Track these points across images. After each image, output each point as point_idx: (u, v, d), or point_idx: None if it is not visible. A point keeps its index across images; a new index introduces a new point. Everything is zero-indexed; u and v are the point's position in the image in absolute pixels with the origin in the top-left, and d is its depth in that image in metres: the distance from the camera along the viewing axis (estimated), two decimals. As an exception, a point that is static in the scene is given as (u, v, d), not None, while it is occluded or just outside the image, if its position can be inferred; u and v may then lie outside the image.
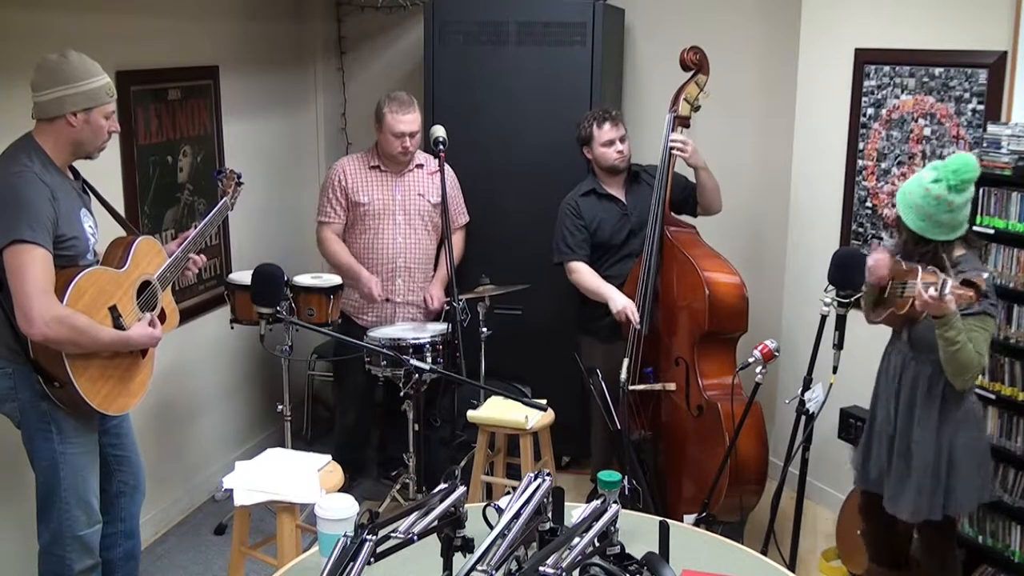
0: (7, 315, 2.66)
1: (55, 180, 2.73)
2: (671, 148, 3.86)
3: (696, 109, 3.96)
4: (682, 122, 3.94)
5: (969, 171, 2.80)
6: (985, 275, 2.80)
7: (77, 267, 2.75)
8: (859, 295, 3.14)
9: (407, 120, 4.17)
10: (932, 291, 2.70)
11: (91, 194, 2.99)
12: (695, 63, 3.93)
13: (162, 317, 3.00)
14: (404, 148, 4.21)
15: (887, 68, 3.91)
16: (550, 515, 2.08)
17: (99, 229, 2.95)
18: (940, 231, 2.87)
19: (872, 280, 3.07)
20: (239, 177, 3.52)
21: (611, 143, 3.97)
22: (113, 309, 2.79)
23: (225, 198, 3.45)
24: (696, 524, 3.37)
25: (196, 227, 3.23)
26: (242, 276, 4.03)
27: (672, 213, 4.06)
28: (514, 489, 2.09)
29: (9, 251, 2.60)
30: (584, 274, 3.99)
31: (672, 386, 3.86)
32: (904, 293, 2.93)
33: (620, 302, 3.84)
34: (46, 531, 2.88)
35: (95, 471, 2.94)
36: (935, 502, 2.98)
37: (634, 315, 3.79)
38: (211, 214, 3.33)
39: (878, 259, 3.02)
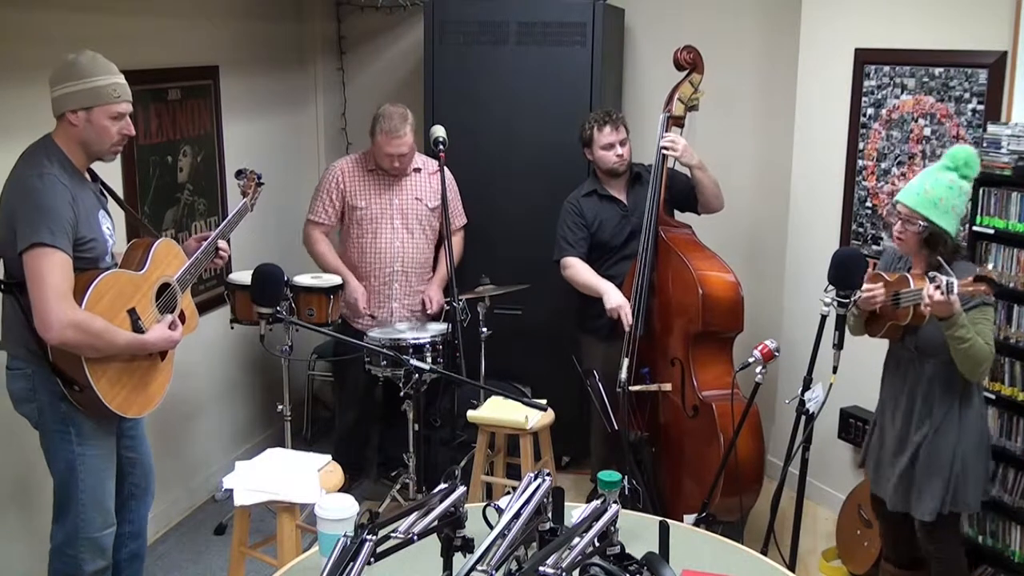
0: (27, 317, 2.66)
1: (74, 182, 2.72)
2: (661, 148, 3.86)
3: (692, 109, 3.96)
4: (676, 122, 3.94)
5: (975, 160, 2.93)
6: (977, 270, 2.82)
7: (97, 269, 2.75)
8: (857, 296, 3.13)
9: (397, 144, 4.16)
10: (939, 294, 2.69)
11: (108, 196, 2.99)
12: (689, 62, 3.93)
13: (182, 319, 3.00)
14: (393, 166, 4.23)
15: (887, 68, 3.91)
16: (550, 515, 2.08)
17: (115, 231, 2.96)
18: (956, 224, 2.92)
19: (867, 308, 3.08)
20: (260, 178, 3.51)
21: (611, 146, 3.97)
22: (132, 312, 2.79)
23: (246, 199, 3.45)
24: (696, 524, 3.37)
25: (217, 228, 3.24)
26: (242, 276, 4.03)
27: (674, 211, 4.07)
28: (514, 489, 2.09)
29: (29, 255, 2.60)
30: (578, 269, 3.99)
31: (668, 387, 3.86)
32: (901, 303, 2.92)
33: (615, 300, 3.84)
34: (60, 531, 2.88)
35: (112, 474, 2.94)
36: (949, 499, 3.00)
37: (627, 316, 3.79)
38: (231, 215, 3.34)
39: (873, 291, 3.03)
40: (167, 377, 3.00)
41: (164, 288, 2.95)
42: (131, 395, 2.83)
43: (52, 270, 2.60)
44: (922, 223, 2.89)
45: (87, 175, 2.86)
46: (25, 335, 2.69)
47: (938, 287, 2.70)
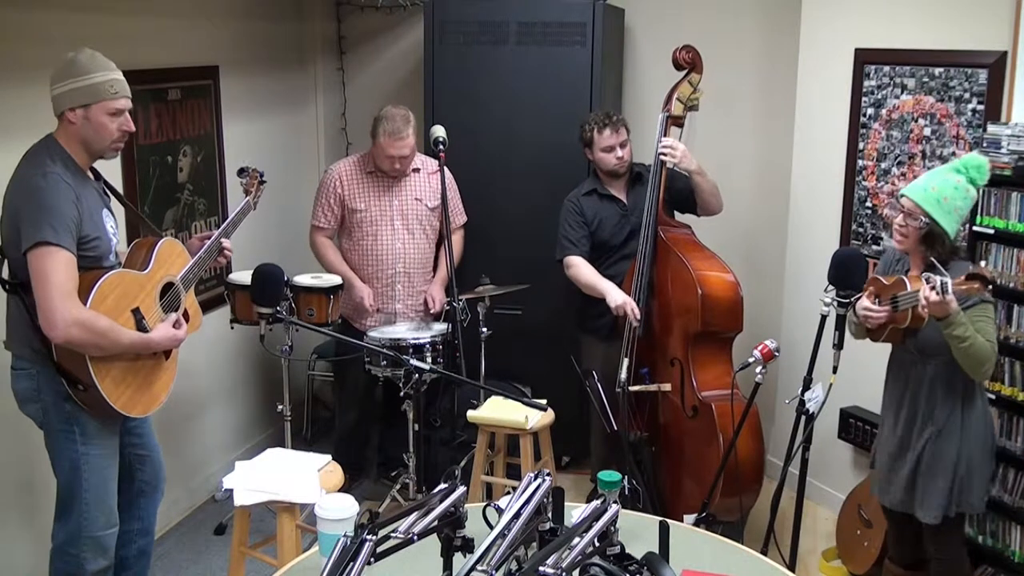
0: (31, 317, 2.66)
1: (77, 181, 2.73)
2: (659, 153, 3.86)
3: (692, 108, 3.95)
4: (675, 122, 3.94)
5: (986, 169, 2.93)
6: (971, 268, 2.81)
7: (101, 269, 2.76)
8: (859, 295, 3.13)
9: (399, 146, 4.15)
10: (934, 295, 2.69)
11: (111, 195, 3.00)
12: (688, 62, 3.93)
13: (186, 317, 3.01)
14: (395, 168, 4.23)
15: (887, 68, 3.91)
16: (550, 515, 2.08)
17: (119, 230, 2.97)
18: (957, 225, 2.91)
19: (867, 325, 3.06)
20: (262, 176, 3.53)
21: (610, 149, 3.97)
22: (136, 311, 2.80)
23: (248, 197, 3.46)
24: (696, 524, 3.37)
25: (220, 227, 3.26)
26: (242, 276, 4.03)
27: (673, 212, 4.07)
28: (514, 489, 2.09)
29: (33, 253, 2.61)
30: (581, 268, 3.99)
31: (667, 387, 3.86)
32: (900, 307, 2.92)
33: (619, 298, 3.84)
34: (63, 530, 2.89)
35: (115, 473, 2.95)
36: (954, 500, 2.99)
37: (634, 311, 3.79)
38: (234, 214, 3.35)
39: (869, 308, 3.01)
40: (171, 376, 3.01)
41: (168, 287, 2.96)
42: (136, 394, 2.84)
43: (56, 268, 2.60)
44: (924, 219, 2.89)
45: (90, 174, 2.87)
46: (29, 335, 2.70)
47: (933, 287, 2.70)
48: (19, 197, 2.66)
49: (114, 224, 2.90)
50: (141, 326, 2.80)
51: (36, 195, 2.63)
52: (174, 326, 2.91)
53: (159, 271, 2.93)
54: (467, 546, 1.99)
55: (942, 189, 2.89)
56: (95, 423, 2.82)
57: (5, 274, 2.76)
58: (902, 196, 2.97)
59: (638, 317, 3.80)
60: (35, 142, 2.77)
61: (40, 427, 2.86)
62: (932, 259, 2.90)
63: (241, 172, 3.52)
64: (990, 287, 2.73)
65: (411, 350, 3.93)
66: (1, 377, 3.12)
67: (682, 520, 3.33)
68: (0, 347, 2.89)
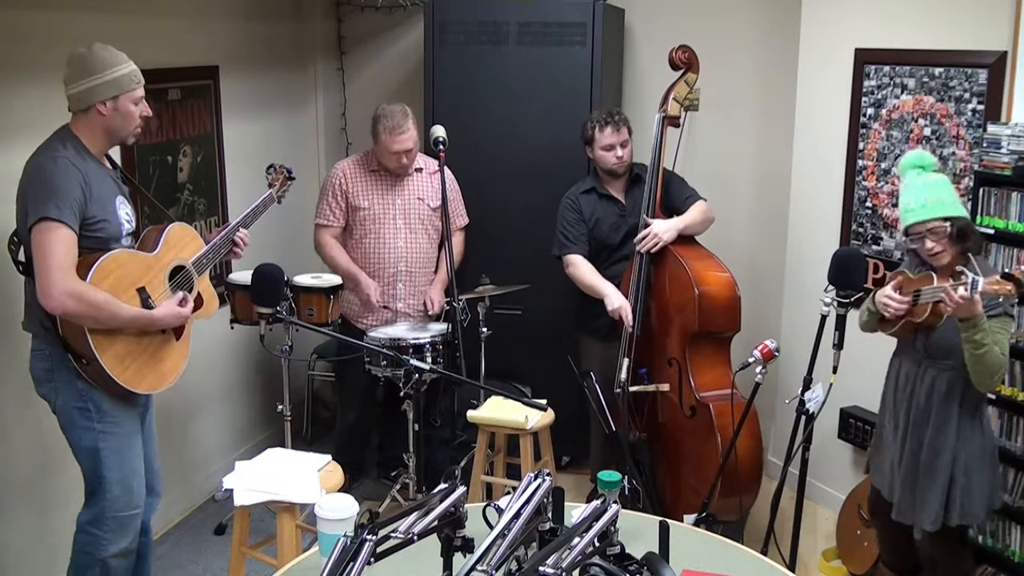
0: None
1: (89, 167, 2.80)
2: (639, 250, 3.83)
3: (690, 108, 3.95)
4: (672, 122, 3.95)
5: (923, 155, 2.99)
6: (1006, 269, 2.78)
7: (108, 251, 2.81)
8: (859, 295, 3.12)
9: (402, 140, 4.15)
10: (963, 291, 2.64)
11: (127, 184, 3.06)
12: (684, 62, 3.93)
13: (200, 302, 3.04)
14: (401, 164, 4.23)
15: (887, 68, 3.91)
16: (550, 515, 2.08)
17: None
18: (960, 207, 2.90)
19: (885, 312, 3.00)
20: (289, 172, 3.59)
21: (610, 148, 3.97)
22: (142, 290, 2.85)
23: (271, 190, 3.51)
24: (696, 524, 3.37)
25: (239, 216, 3.31)
26: (242, 276, 4.04)
27: (672, 213, 4.07)
28: (514, 489, 2.09)
29: (36, 229, 2.68)
30: (582, 268, 3.99)
31: (666, 387, 3.86)
32: (921, 300, 2.89)
33: (616, 301, 3.84)
34: (88, 512, 2.93)
35: (137, 453, 2.98)
36: (953, 510, 2.95)
37: (627, 317, 3.79)
38: (256, 203, 3.39)
39: (891, 296, 2.95)
40: (182, 356, 3.04)
41: (178, 270, 3.00)
42: (141, 370, 2.87)
43: (56, 243, 2.66)
44: (945, 225, 2.86)
45: (106, 162, 2.93)
46: (40, 313, 2.76)
47: (963, 284, 2.65)
48: (28, 181, 2.74)
49: (129, 211, 2.95)
50: (147, 305, 2.85)
51: (43, 176, 2.71)
52: (180, 304, 2.93)
53: (168, 254, 2.98)
54: (467, 546, 1.99)
55: (931, 192, 2.88)
56: (109, 401, 2.86)
57: (22, 257, 2.82)
58: (910, 227, 2.91)
59: (630, 322, 3.79)
60: (48, 136, 2.82)
61: (54, 412, 2.90)
62: (969, 254, 2.86)
63: (269, 168, 3.59)
64: (1021, 293, 2.66)
65: (411, 350, 3.93)
66: (4, 375, 3.13)
67: (682, 520, 3.33)
68: (14, 342, 2.93)
